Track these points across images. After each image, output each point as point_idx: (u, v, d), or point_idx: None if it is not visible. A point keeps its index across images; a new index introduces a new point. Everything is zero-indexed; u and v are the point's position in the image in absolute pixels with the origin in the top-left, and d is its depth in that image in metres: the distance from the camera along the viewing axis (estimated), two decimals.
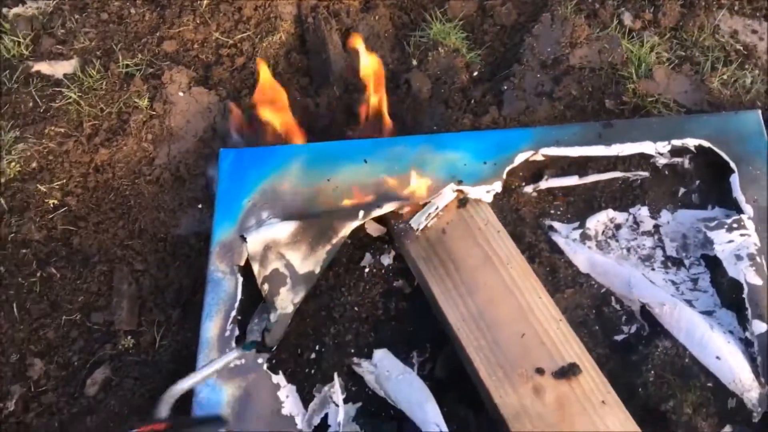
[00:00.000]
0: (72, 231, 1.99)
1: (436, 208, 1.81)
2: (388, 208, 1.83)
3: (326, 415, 1.68)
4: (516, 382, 1.53)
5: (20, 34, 2.28)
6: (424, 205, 1.83)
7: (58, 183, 2.03)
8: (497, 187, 1.85)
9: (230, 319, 1.75)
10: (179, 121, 2.10)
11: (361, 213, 1.82)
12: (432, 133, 2.06)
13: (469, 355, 1.59)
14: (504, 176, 1.85)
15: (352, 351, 1.78)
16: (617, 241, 1.85)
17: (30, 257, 1.94)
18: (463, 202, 1.82)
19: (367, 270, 1.87)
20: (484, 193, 1.84)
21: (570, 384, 1.51)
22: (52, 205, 2.00)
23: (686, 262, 1.80)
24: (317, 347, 1.80)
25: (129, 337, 1.86)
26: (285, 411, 1.66)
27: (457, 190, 1.83)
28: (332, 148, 1.95)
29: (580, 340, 1.58)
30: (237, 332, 1.74)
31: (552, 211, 1.92)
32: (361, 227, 1.88)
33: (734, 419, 1.53)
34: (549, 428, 1.46)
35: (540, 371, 1.53)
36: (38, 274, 1.93)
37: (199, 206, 2.03)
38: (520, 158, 1.86)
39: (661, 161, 1.90)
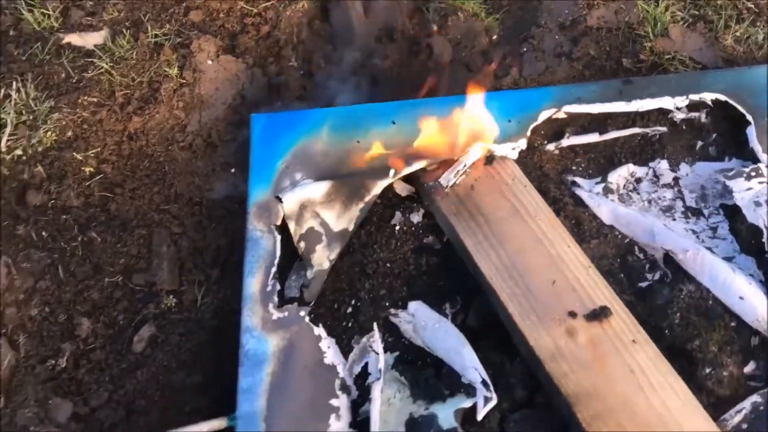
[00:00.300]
0: (109, 197, 2.05)
1: (464, 166, 1.88)
2: (417, 166, 1.89)
3: (366, 363, 1.76)
4: (549, 325, 1.61)
5: (49, 7, 2.33)
6: (452, 163, 1.90)
7: (93, 151, 2.09)
8: (522, 144, 1.92)
9: (271, 275, 1.82)
10: (209, 89, 2.16)
11: (392, 172, 1.89)
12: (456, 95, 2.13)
13: (503, 302, 1.66)
14: (528, 133, 1.92)
15: (387, 304, 1.86)
16: (638, 193, 1.93)
17: (71, 222, 2.01)
18: (489, 159, 1.89)
19: (397, 228, 1.95)
20: (510, 150, 1.92)
21: (601, 325, 1.59)
22: (88, 173, 2.06)
23: (705, 211, 1.88)
24: (353, 302, 1.87)
25: (171, 297, 1.93)
26: (327, 361, 1.74)
27: (484, 148, 1.89)
28: (361, 111, 2.02)
29: (608, 285, 1.66)
30: (278, 287, 1.81)
31: (574, 168, 2.00)
32: (390, 187, 1.95)
33: (757, 356, 1.62)
34: (583, 367, 1.54)
35: (572, 314, 1.61)
36: (79, 239, 1.99)
37: (232, 171, 2.09)
38: (543, 116, 1.93)
39: (679, 116, 1.97)
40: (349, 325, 1.85)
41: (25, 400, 1.73)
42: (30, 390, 1.74)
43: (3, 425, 1.70)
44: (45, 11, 2.31)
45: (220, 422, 1.62)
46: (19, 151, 2.05)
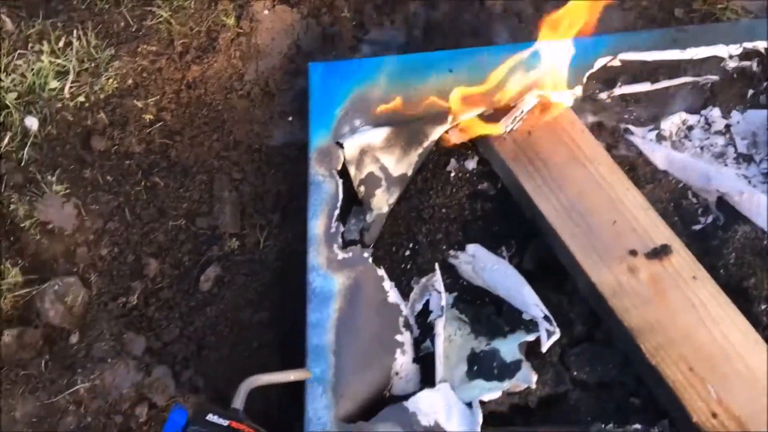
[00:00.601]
0: (169, 144, 2.11)
1: (521, 112, 1.91)
2: (474, 112, 1.94)
3: (426, 302, 1.82)
4: (611, 263, 1.66)
5: None
6: (509, 109, 1.94)
7: (153, 99, 2.13)
8: (578, 91, 1.96)
9: (334, 218, 1.87)
10: (265, 39, 2.20)
11: (450, 117, 1.93)
12: (509, 44, 2.16)
13: (564, 242, 1.72)
14: (584, 81, 1.96)
15: (444, 248, 1.92)
16: (690, 140, 1.97)
17: (134, 167, 2.06)
18: (546, 106, 1.93)
19: (452, 174, 1.99)
20: (566, 97, 1.95)
21: (662, 263, 1.64)
22: (148, 120, 2.11)
23: (756, 158, 1.92)
24: (411, 245, 1.93)
25: (233, 240, 1.99)
26: (391, 300, 1.80)
27: (540, 95, 1.93)
28: (417, 60, 2.05)
29: (668, 225, 1.71)
30: (342, 229, 1.87)
31: (626, 116, 2.03)
32: (445, 136, 2.00)
33: None
34: (645, 302, 1.59)
35: (633, 253, 1.66)
36: (143, 183, 2.05)
37: (289, 119, 2.14)
38: (599, 63, 1.97)
39: (731, 65, 2.01)
40: (408, 267, 1.90)
41: (100, 334, 1.79)
42: (104, 325, 1.81)
43: (79, 358, 1.77)
44: None
45: (305, 373, 1.66)
46: (81, 98, 2.10)
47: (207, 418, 1.14)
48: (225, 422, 1.16)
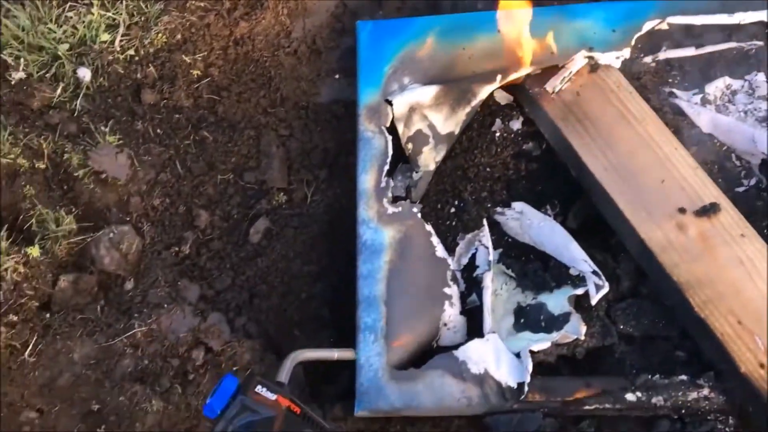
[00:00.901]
0: (216, 100, 2.13)
1: (570, 73, 1.94)
2: (523, 71, 1.96)
3: (472, 257, 1.86)
4: (660, 220, 1.69)
5: None
6: (557, 70, 1.96)
7: (201, 55, 2.15)
8: (626, 53, 1.98)
9: (383, 173, 1.90)
10: None
11: (499, 76, 1.95)
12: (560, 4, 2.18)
13: (613, 199, 1.75)
14: (632, 43, 1.98)
15: (489, 206, 1.95)
16: (734, 105, 1.99)
17: (183, 121, 2.09)
18: (594, 67, 1.96)
19: (497, 134, 2.02)
20: (614, 59, 1.98)
21: (710, 221, 1.68)
22: (196, 76, 2.13)
23: None
24: (456, 202, 1.97)
25: (281, 194, 2.03)
26: (438, 254, 1.84)
27: (588, 56, 1.96)
28: (466, 19, 2.07)
29: (716, 185, 1.74)
30: (392, 184, 1.90)
31: (670, 80, 2.06)
32: (490, 96, 2.02)
33: None
34: (694, 258, 1.63)
35: (682, 211, 1.70)
36: (192, 137, 2.08)
37: (336, 77, 2.16)
38: (647, 26, 1.99)
39: None
40: (453, 223, 1.94)
41: (154, 281, 1.84)
42: (158, 272, 1.86)
43: (135, 303, 1.81)
44: None
45: (349, 353, 1.69)
46: (131, 51, 2.12)
47: (256, 389, 1.16)
48: (273, 396, 1.18)
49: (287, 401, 1.20)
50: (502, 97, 2.07)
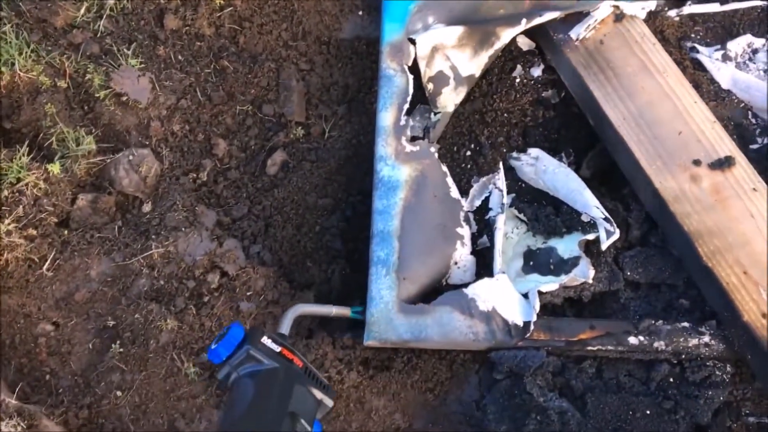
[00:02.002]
0: (238, 30, 2.13)
1: (595, 20, 1.93)
2: (548, 16, 1.95)
3: (485, 200, 1.89)
4: (675, 170, 1.72)
5: None
6: (582, 17, 1.96)
7: None
8: (651, 5, 1.98)
9: (403, 111, 1.92)
10: None
11: (524, 20, 1.95)
12: None
13: (630, 148, 1.76)
14: None
15: (504, 151, 1.97)
16: (755, 63, 2.00)
17: (204, 50, 2.09)
18: (619, 16, 1.95)
19: (517, 80, 2.03)
20: (639, 9, 1.97)
21: (724, 174, 1.70)
22: (219, 4, 2.12)
23: None
24: (472, 146, 1.98)
25: (299, 128, 2.04)
26: (452, 194, 1.86)
27: (614, 5, 1.95)
28: None
29: (732, 139, 1.76)
30: (411, 123, 1.91)
31: (693, 35, 2.06)
32: (513, 41, 2.02)
33: None
34: (705, 209, 1.66)
35: (697, 162, 1.72)
36: (212, 66, 2.08)
37: (360, 13, 2.16)
38: None
39: None
40: (468, 166, 1.96)
41: (172, 205, 1.86)
42: (176, 197, 1.88)
43: (153, 226, 1.84)
44: None
45: (345, 311, 1.71)
46: None
47: (262, 340, 1.19)
48: (277, 348, 1.20)
49: (290, 354, 1.24)
50: (525, 43, 2.06)
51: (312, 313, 1.66)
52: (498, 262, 1.75)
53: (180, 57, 2.07)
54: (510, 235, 1.89)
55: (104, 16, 2.04)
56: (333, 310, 1.68)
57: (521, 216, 1.89)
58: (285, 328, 1.49)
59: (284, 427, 1.02)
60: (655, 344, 1.62)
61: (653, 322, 1.64)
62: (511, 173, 1.95)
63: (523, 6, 1.99)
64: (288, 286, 1.80)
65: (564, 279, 1.70)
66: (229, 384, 1.16)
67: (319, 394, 1.24)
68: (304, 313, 1.61)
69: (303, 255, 1.89)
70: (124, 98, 1.96)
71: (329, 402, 1.26)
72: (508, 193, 1.91)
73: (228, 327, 1.22)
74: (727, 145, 1.74)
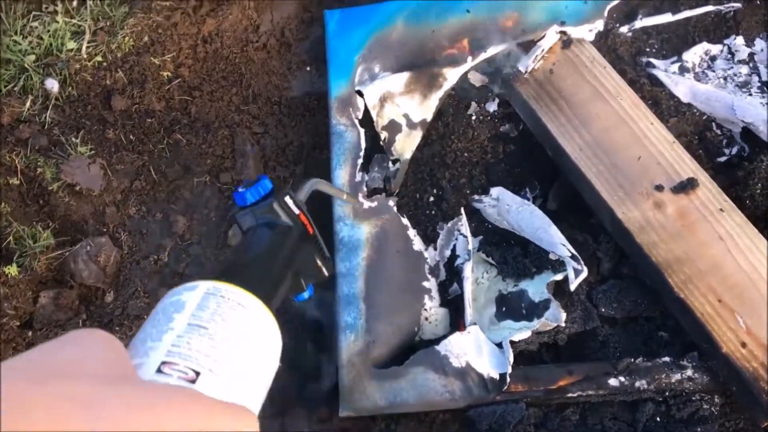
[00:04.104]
0: (188, 100, 2.10)
1: (542, 50, 1.89)
2: (492, 51, 1.92)
3: (453, 247, 1.84)
4: (637, 199, 1.66)
5: None
6: (530, 48, 1.91)
7: (170, 55, 2.12)
8: (599, 25, 1.93)
9: (358, 167, 1.88)
10: None
11: (469, 58, 1.91)
12: None
13: (589, 180, 1.71)
14: (605, 14, 1.93)
15: (468, 192, 1.92)
16: (713, 71, 1.94)
17: (156, 125, 2.06)
18: (567, 42, 1.90)
19: (474, 118, 1.98)
20: (587, 32, 1.93)
21: (688, 197, 1.64)
22: (166, 77, 2.10)
23: None
24: (434, 191, 1.94)
25: None
26: (416, 247, 1.82)
27: (560, 32, 1.90)
28: (433, 1, 2.02)
29: (693, 159, 1.70)
30: (366, 178, 1.87)
31: (648, 49, 2.00)
32: (465, 78, 1.98)
33: None
34: (672, 236, 1.60)
35: (659, 188, 1.66)
36: (165, 141, 2.05)
37: (308, 68, 2.13)
38: None
39: None
40: (433, 213, 1.91)
41: (134, 292, 1.83)
42: (138, 283, 1.85)
43: (116, 316, 1.81)
44: None
45: (354, 198, 1.76)
46: (99, 58, 2.09)
47: (285, 199, 1.18)
48: (297, 210, 1.20)
49: (306, 220, 1.24)
50: (477, 79, 2.02)
51: (326, 192, 1.62)
52: (468, 314, 1.70)
53: (131, 137, 2.05)
54: (481, 280, 1.83)
55: (50, 107, 2.02)
56: (344, 195, 1.68)
57: (489, 260, 1.84)
58: (302, 195, 1.49)
59: (286, 280, 1.03)
60: (637, 384, 1.56)
61: (632, 360, 1.58)
62: (477, 215, 1.90)
63: (463, 46, 1.95)
64: None
65: (535, 325, 1.64)
66: (245, 228, 1.17)
67: (320, 263, 1.26)
68: (320, 189, 1.57)
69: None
70: (77, 188, 1.93)
71: (326, 273, 1.28)
72: (476, 236, 1.86)
73: (259, 176, 1.23)
74: (688, 166, 1.68)
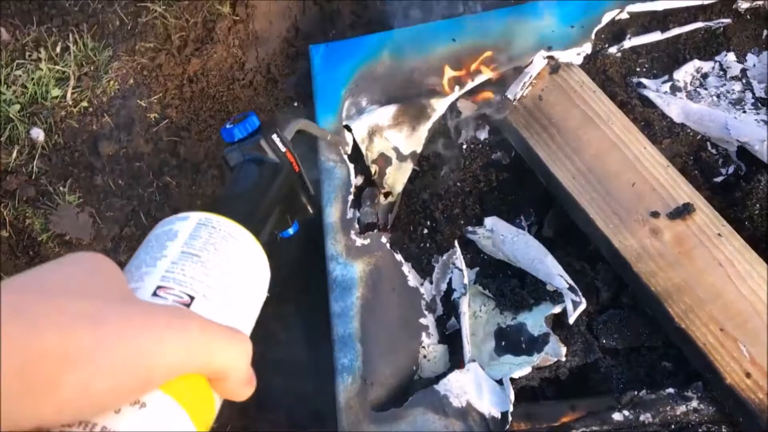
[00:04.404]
0: (177, 141, 2.08)
1: (530, 77, 1.86)
2: (480, 79, 1.89)
3: (449, 280, 1.81)
4: (633, 227, 1.62)
5: None
6: (517, 75, 1.89)
7: (156, 97, 2.10)
8: (587, 48, 1.90)
9: (349, 203, 1.85)
10: (263, 24, 2.15)
11: (456, 88, 1.89)
12: (513, 5, 2.10)
13: (583, 208, 1.68)
14: (593, 37, 1.90)
15: (462, 222, 1.89)
16: (706, 89, 1.91)
17: (144, 169, 2.04)
18: (555, 68, 1.88)
19: (465, 146, 1.96)
20: (575, 55, 1.90)
21: (685, 222, 1.60)
22: (153, 119, 2.08)
23: None
24: (428, 222, 1.91)
25: None
26: (411, 283, 1.79)
27: (548, 57, 1.88)
28: (418, 32, 2.00)
29: (688, 182, 1.67)
30: (357, 214, 1.85)
31: (638, 69, 1.97)
32: (454, 106, 1.95)
33: None
34: (670, 264, 1.56)
35: (655, 214, 1.63)
36: (155, 184, 2.03)
37: (295, 104, 2.11)
38: (606, 18, 1.90)
39: (743, 5, 1.93)
40: (427, 245, 1.88)
41: None
42: None
43: None
44: None
45: (340, 140, 1.73)
46: (85, 103, 2.08)
47: (272, 136, 1.19)
48: (283, 148, 1.21)
49: (291, 158, 1.25)
50: (466, 107, 1.99)
51: (312, 132, 1.63)
52: (467, 350, 1.67)
53: (120, 182, 2.03)
54: (479, 314, 1.80)
55: (36, 156, 2.00)
56: (329, 137, 1.69)
57: (487, 292, 1.80)
58: (289, 134, 1.45)
59: (273, 216, 1.06)
60: (642, 417, 1.52)
61: (636, 393, 1.54)
62: (473, 246, 1.87)
63: (456, 73, 1.92)
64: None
65: (535, 361, 1.60)
66: (232, 164, 1.18)
67: (305, 200, 1.29)
68: (305, 128, 1.56)
69: (267, 366, 1.82)
70: (67, 237, 1.91)
71: (311, 209, 1.32)
72: (472, 267, 1.83)
73: (246, 114, 1.23)
74: (684, 190, 1.65)
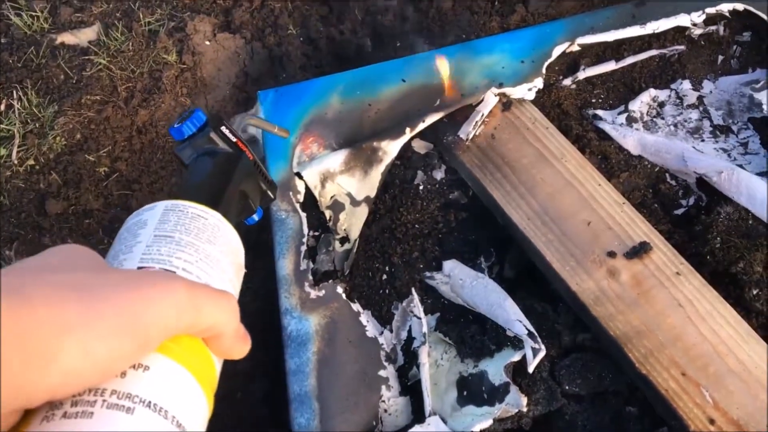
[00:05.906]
0: (128, 195, 2.03)
1: (482, 115, 1.82)
2: (431, 119, 1.85)
3: (409, 328, 1.76)
4: (590, 268, 1.58)
5: (37, 8, 2.27)
6: (468, 113, 1.85)
7: (105, 150, 2.05)
8: (539, 83, 1.86)
9: (302, 254, 1.80)
10: (210, 71, 2.10)
11: (407, 129, 1.84)
12: (462, 41, 2.06)
13: (539, 250, 1.63)
14: (544, 72, 1.86)
15: (422, 266, 1.84)
16: (663, 118, 1.87)
17: (94, 226, 1.99)
18: (507, 105, 1.84)
19: (421, 187, 1.91)
20: (527, 91, 1.86)
21: (643, 262, 1.56)
22: (103, 173, 2.03)
23: (734, 128, 1.82)
24: (387, 268, 1.85)
25: None
26: (369, 334, 1.73)
27: (499, 94, 1.84)
28: (367, 73, 1.96)
29: (645, 220, 1.62)
30: (311, 266, 1.79)
31: (594, 100, 1.94)
32: (409, 146, 1.91)
33: None
34: (629, 306, 1.51)
35: (612, 254, 1.58)
36: (106, 241, 1.98)
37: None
38: (557, 51, 1.87)
39: (696, 32, 1.90)
40: (387, 292, 1.83)
41: None
42: None
43: None
44: (33, 13, 2.25)
45: (285, 133, 1.63)
46: (31, 161, 2.02)
47: (221, 128, 1.17)
48: (234, 139, 1.18)
49: (244, 147, 1.22)
50: (421, 146, 1.95)
51: (256, 125, 1.57)
52: (427, 404, 1.61)
53: (69, 241, 1.97)
54: (440, 362, 1.74)
55: None
56: (275, 129, 1.62)
57: (448, 339, 1.75)
58: (237, 128, 1.43)
59: (235, 202, 1.06)
60: None
61: None
62: (433, 291, 1.82)
63: (406, 114, 1.88)
64: None
65: (496, 412, 1.55)
66: (187, 161, 1.16)
67: (264, 186, 1.26)
68: (251, 123, 1.52)
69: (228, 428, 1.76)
70: None
71: (272, 195, 1.30)
72: (433, 313, 1.78)
73: (192, 110, 1.20)
74: (640, 228, 1.60)
